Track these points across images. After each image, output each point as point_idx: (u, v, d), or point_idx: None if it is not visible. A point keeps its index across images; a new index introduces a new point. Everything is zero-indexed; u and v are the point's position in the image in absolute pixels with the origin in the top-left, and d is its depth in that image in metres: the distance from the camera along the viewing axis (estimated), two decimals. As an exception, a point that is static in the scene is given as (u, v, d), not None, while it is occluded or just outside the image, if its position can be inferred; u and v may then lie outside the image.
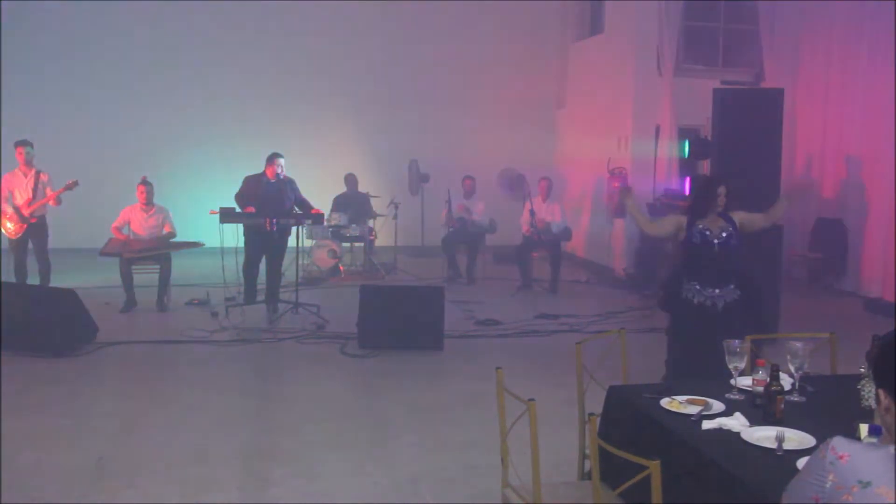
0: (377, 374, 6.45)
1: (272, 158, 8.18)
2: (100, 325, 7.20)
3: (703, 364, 4.94)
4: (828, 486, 1.74)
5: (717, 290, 5.09)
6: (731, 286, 5.11)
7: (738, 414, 2.85)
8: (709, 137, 8.70)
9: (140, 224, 8.66)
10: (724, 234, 5.06)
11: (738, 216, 5.17)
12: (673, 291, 5.29)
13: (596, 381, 3.55)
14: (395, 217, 11.26)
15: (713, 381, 3.40)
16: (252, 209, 7.95)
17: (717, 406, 3.00)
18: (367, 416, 5.49)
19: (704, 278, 5.11)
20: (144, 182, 8.65)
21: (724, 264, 5.10)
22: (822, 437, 2.49)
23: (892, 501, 1.65)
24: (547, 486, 3.03)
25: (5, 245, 8.73)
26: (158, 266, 8.57)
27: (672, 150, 10.59)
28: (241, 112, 12.60)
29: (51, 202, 8.50)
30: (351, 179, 11.40)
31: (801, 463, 2.33)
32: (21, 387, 5.85)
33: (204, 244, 8.75)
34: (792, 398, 3.08)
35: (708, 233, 5.08)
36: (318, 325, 7.86)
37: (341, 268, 10.77)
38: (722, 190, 5.10)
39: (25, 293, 7.32)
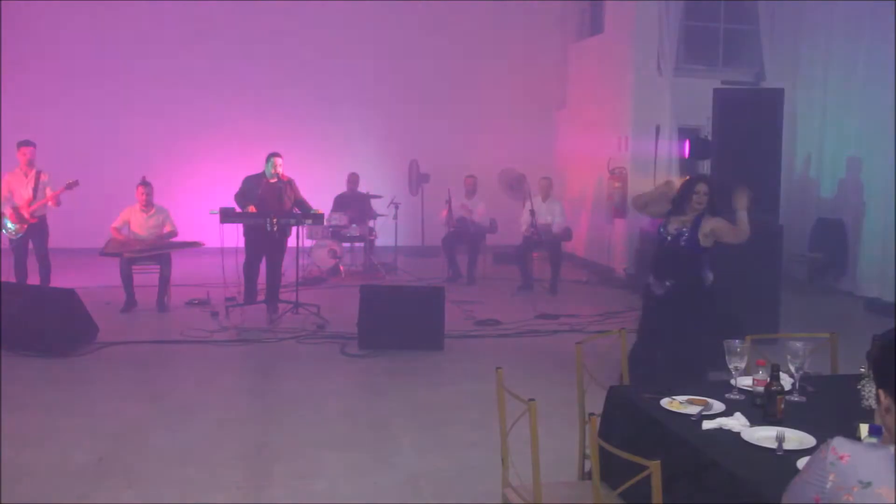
0: (377, 374, 6.45)
1: (270, 158, 8.20)
2: (100, 325, 7.20)
3: (645, 350, 5.46)
4: (828, 486, 1.74)
5: (653, 280, 5.54)
6: (668, 283, 5.41)
7: (738, 414, 2.85)
8: (709, 137, 8.70)
9: (140, 224, 8.66)
10: (675, 233, 5.25)
11: (711, 223, 5.26)
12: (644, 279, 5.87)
13: (596, 381, 3.55)
14: (396, 217, 11.26)
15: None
16: (253, 209, 7.96)
17: (718, 406, 3.00)
18: (367, 416, 5.49)
19: (654, 270, 5.59)
20: (144, 183, 8.65)
21: (667, 260, 5.41)
22: (822, 437, 2.49)
23: (893, 502, 1.65)
24: (547, 486, 3.03)
25: (5, 245, 8.74)
26: (158, 266, 8.57)
27: (672, 150, 10.59)
28: (242, 112, 12.60)
29: (50, 202, 8.50)
30: (353, 179, 11.40)
31: (802, 463, 2.33)
32: (21, 387, 5.84)
33: (204, 244, 8.75)
34: (792, 398, 3.08)
35: (662, 230, 5.44)
36: (319, 325, 7.86)
37: (341, 268, 10.77)
38: (701, 188, 5.23)
39: (25, 293, 7.31)
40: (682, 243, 5.30)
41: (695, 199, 5.24)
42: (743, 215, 5.29)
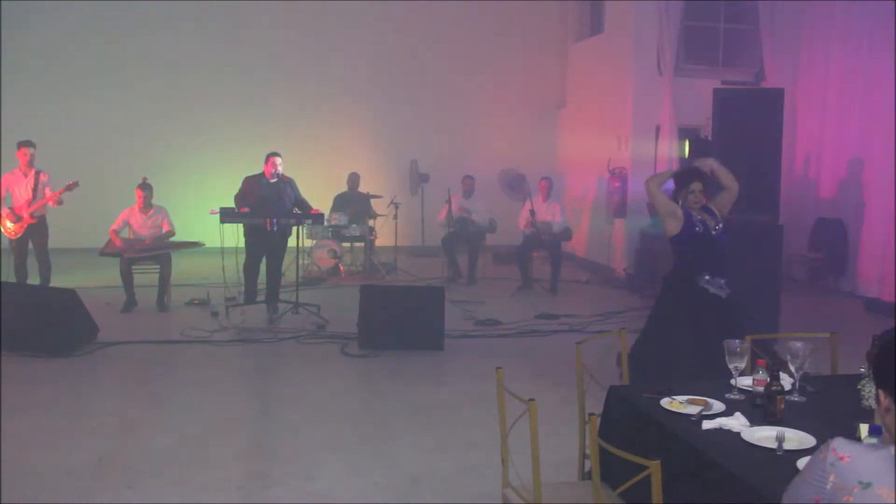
0: (377, 374, 6.45)
1: (268, 158, 8.21)
2: (100, 325, 7.20)
3: (709, 353, 4.96)
4: (829, 486, 1.74)
5: (723, 280, 5.14)
6: (724, 281, 5.18)
7: (738, 414, 2.85)
8: (709, 137, 8.70)
9: (140, 224, 8.67)
10: (719, 227, 5.11)
11: (717, 203, 5.23)
12: (686, 283, 5.20)
13: (596, 381, 3.55)
14: (395, 217, 11.26)
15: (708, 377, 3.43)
16: (246, 209, 7.95)
17: (718, 406, 3.00)
18: (367, 416, 5.49)
19: (712, 269, 5.12)
20: (143, 186, 8.64)
21: (721, 256, 5.15)
22: (822, 437, 2.50)
23: (893, 502, 1.65)
24: (547, 486, 3.03)
25: (5, 245, 8.73)
26: (158, 266, 8.57)
27: (672, 150, 10.59)
28: (242, 112, 12.61)
29: (51, 203, 8.50)
30: (353, 178, 11.40)
31: (802, 463, 2.33)
32: (21, 387, 5.84)
33: (204, 244, 8.75)
34: (792, 398, 3.08)
35: (707, 224, 5.11)
36: (319, 325, 7.86)
37: (341, 268, 10.78)
38: (696, 186, 5.10)
39: (25, 293, 7.31)
40: (726, 236, 5.15)
41: (691, 199, 5.10)
42: (714, 169, 5.28)
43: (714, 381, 3.35)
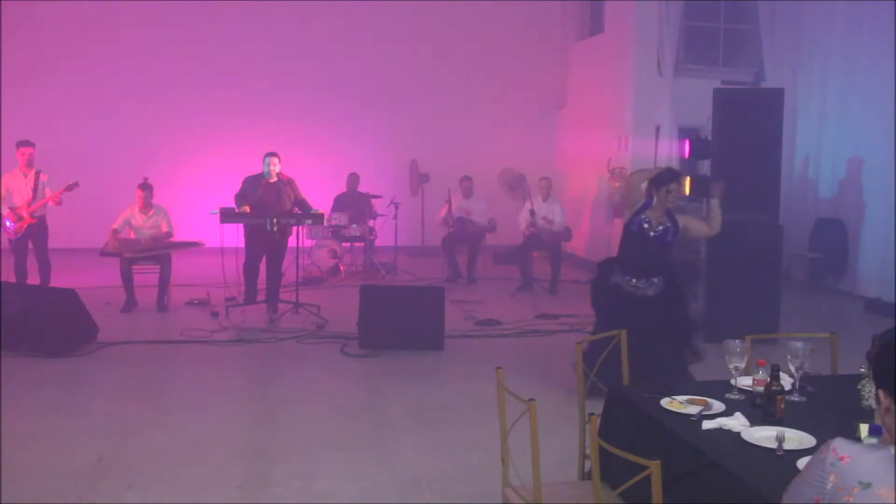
0: (377, 374, 6.44)
1: (267, 158, 8.21)
2: (100, 325, 7.20)
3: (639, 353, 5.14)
4: (829, 486, 1.74)
5: (634, 280, 5.30)
6: (655, 280, 5.28)
7: (738, 414, 2.85)
8: (709, 137, 8.70)
9: (140, 224, 8.67)
10: (660, 228, 5.20)
11: (683, 220, 5.37)
12: (603, 276, 5.47)
13: (596, 381, 3.55)
14: (396, 217, 11.26)
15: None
16: (248, 209, 7.96)
17: (718, 406, 3.00)
18: (367, 416, 5.49)
19: (633, 268, 5.30)
20: (143, 186, 8.63)
21: (654, 256, 5.27)
22: (822, 437, 2.50)
23: (893, 502, 1.65)
24: (547, 486, 3.03)
25: (5, 245, 8.73)
26: (158, 266, 8.57)
27: (672, 150, 10.59)
28: (242, 112, 12.61)
29: (51, 203, 8.50)
30: (353, 178, 11.40)
31: (802, 463, 2.33)
32: (21, 387, 5.84)
33: (204, 244, 8.75)
34: (792, 398, 3.08)
35: (646, 224, 5.25)
36: (319, 325, 7.86)
37: (341, 268, 10.78)
38: (674, 187, 5.21)
39: (25, 293, 7.31)
40: (670, 238, 5.26)
41: (670, 198, 5.21)
42: (716, 204, 5.44)
43: (714, 381, 3.36)
